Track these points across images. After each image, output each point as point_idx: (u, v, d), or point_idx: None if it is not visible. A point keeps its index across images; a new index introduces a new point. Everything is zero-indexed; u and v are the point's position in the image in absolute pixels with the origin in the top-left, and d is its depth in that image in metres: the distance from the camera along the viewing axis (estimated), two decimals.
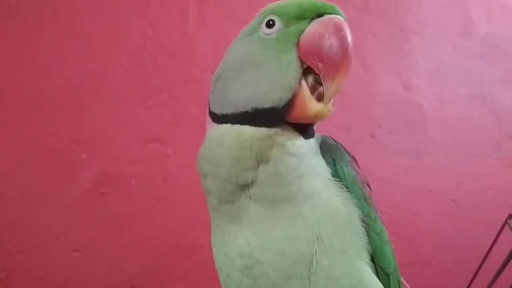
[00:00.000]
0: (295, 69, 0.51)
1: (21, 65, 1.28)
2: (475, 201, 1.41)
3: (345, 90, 1.41)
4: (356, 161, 0.60)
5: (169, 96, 1.34)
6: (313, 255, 0.51)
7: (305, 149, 0.53)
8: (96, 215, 1.26)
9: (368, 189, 0.59)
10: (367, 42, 1.45)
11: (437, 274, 1.37)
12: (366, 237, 0.54)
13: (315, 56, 0.50)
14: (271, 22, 0.53)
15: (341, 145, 0.60)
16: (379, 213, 0.59)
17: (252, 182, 0.52)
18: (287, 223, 0.52)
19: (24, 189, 1.24)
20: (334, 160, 0.56)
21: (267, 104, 0.51)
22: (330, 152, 0.57)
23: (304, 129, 0.55)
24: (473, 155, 1.43)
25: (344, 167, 0.56)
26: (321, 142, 0.58)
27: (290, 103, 0.50)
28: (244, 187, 0.53)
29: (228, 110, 0.55)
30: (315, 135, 0.58)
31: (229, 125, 0.54)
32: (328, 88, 0.49)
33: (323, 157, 0.56)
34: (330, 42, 0.49)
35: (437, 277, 1.37)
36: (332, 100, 0.51)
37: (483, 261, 1.12)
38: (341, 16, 0.52)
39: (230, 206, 0.55)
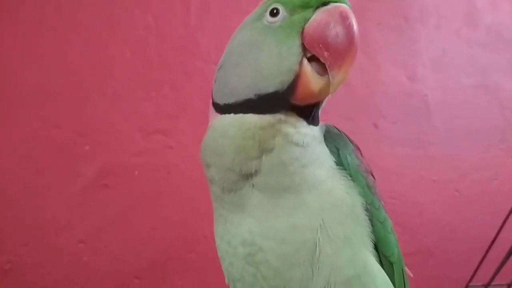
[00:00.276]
0: (296, 54, 0.50)
1: (24, 58, 1.28)
2: (479, 191, 1.40)
3: (349, 80, 1.39)
4: (359, 150, 0.60)
5: (171, 88, 1.33)
6: (316, 243, 0.51)
7: (309, 137, 0.53)
8: (99, 207, 1.26)
9: (372, 178, 0.58)
10: (371, 31, 1.44)
11: (441, 264, 1.37)
12: (370, 226, 0.54)
13: (320, 45, 0.49)
14: (275, 11, 0.53)
15: (344, 134, 0.60)
16: (382, 202, 0.58)
17: (256, 171, 0.52)
18: (290, 211, 0.52)
19: (27, 182, 1.24)
20: (337, 149, 0.56)
21: (270, 89, 0.51)
22: (333, 140, 0.56)
23: (309, 115, 0.54)
24: (478, 144, 1.42)
25: (348, 156, 0.55)
26: (325, 131, 0.58)
27: (293, 85, 0.50)
28: (248, 176, 0.53)
29: (231, 99, 0.54)
30: (320, 124, 0.58)
31: (232, 114, 0.54)
32: (334, 77, 0.49)
33: (327, 145, 0.56)
34: (336, 31, 0.49)
35: (441, 267, 1.37)
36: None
37: (487, 251, 1.12)
38: (346, 4, 0.52)
39: (233, 195, 0.55)
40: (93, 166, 1.27)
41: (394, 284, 0.57)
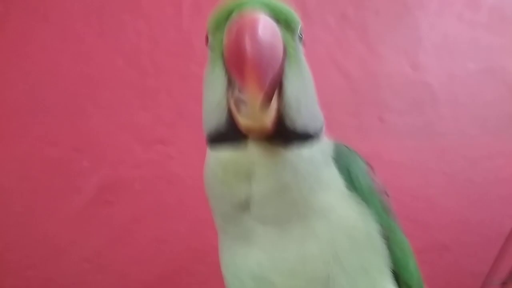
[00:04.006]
0: (222, 84, 0.45)
1: (12, 74, 1.24)
2: (491, 179, 1.35)
3: (349, 73, 1.36)
4: (372, 168, 0.55)
5: (168, 95, 1.29)
6: (329, 275, 0.47)
7: (295, 161, 0.47)
8: (102, 224, 1.24)
9: (386, 197, 0.54)
10: (369, 20, 1.39)
11: (458, 258, 1.33)
12: (387, 252, 0.50)
13: (229, 66, 0.43)
14: (207, 39, 0.50)
15: (355, 152, 0.55)
16: (398, 222, 0.54)
17: (247, 203, 0.48)
18: (299, 241, 0.48)
19: (28, 203, 1.22)
20: (348, 170, 0.51)
21: (213, 127, 0.48)
22: (343, 161, 0.52)
23: (286, 139, 0.46)
24: (487, 132, 1.37)
25: (360, 177, 0.51)
26: (334, 151, 0.53)
27: (230, 119, 0.45)
28: (243, 207, 0.49)
29: (206, 133, 0.51)
30: (327, 143, 0.53)
31: (211, 149, 0.51)
32: (246, 100, 0.41)
33: (337, 167, 0.51)
34: (233, 47, 0.40)
35: (458, 261, 1.33)
36: (272, 112, 0.42)
37: (505, 242, 1.09)
38: (253, 6, 0.43)
39: (235, 225, 0.52)
40: (93, 182, 1.24)
41: None
